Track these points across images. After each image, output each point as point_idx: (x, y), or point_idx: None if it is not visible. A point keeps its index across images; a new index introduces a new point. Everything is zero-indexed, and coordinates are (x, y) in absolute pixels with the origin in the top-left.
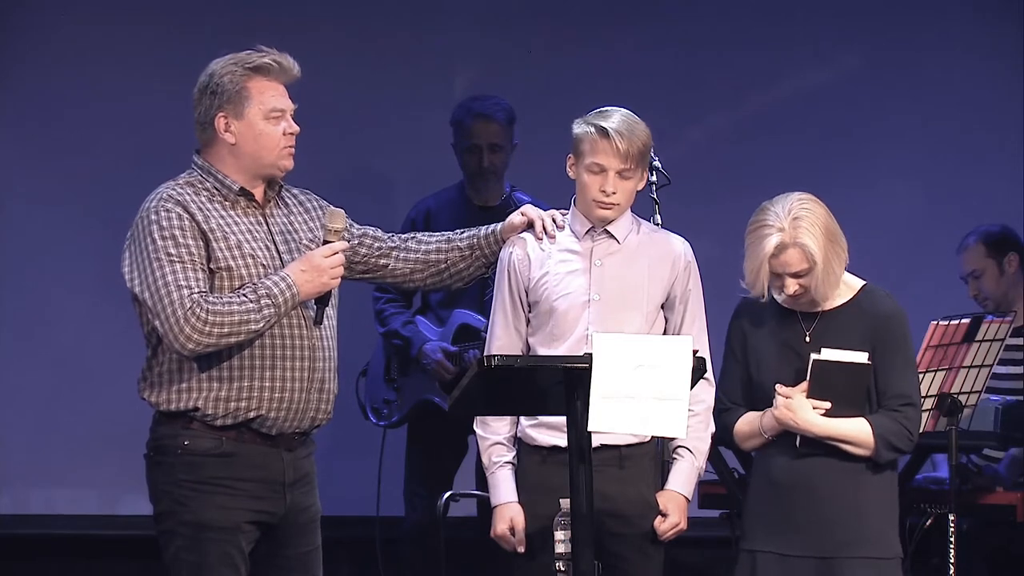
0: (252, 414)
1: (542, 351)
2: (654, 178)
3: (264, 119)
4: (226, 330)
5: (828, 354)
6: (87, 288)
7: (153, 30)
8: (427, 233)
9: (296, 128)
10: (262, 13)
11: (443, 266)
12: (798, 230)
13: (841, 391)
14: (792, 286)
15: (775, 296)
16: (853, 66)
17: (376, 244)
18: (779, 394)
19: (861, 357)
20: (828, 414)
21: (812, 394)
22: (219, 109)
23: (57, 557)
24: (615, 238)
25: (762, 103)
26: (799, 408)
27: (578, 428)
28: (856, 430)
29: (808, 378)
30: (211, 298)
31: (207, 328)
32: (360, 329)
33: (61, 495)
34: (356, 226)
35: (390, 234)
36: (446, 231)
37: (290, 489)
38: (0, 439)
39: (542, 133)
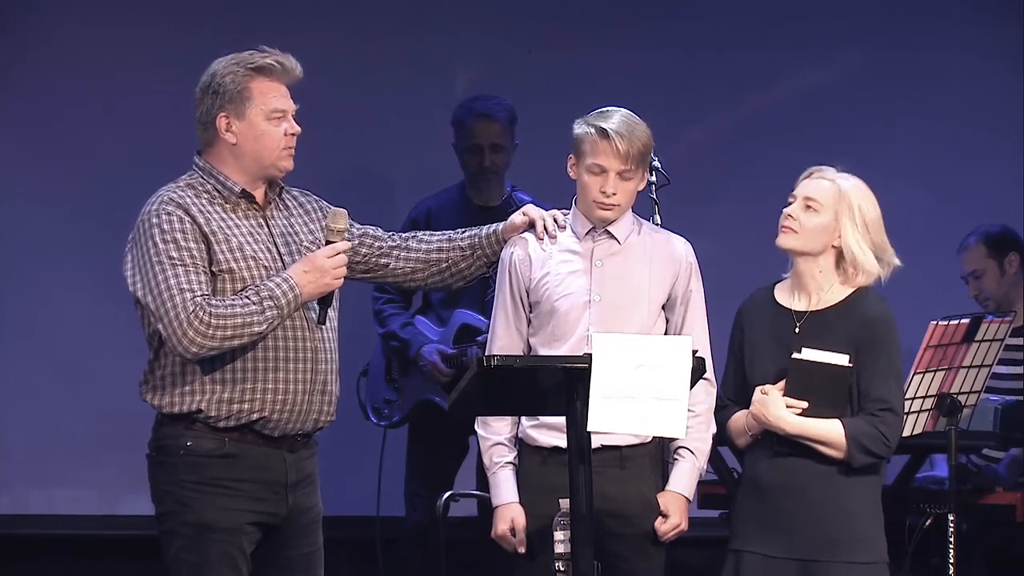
0: (255, 416)
1: (543, 351)
2: (654, 178)
3: (265, 119)
4: (229, 333)
5: (807, 354)
6: (87, 288)
7: (153, 30)
8: (428, 232)
9: (297, 129)
10: (262, 13)
11: (444, 265)
12: (845, 179)
13: (820, 392)
14: (794, 208)
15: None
16: (853, 66)
17: (377, 244)
18: (757, 390)
19: (841, 359)
20: (806, 414)
21: (789, 393)
22: (220, 109)
23: (57, 557)
24: (616, 239)
25: (762, 103)
26: (771, 404)
27: (578, 428)
28: (828, 431)
29: (787, 376)
30: (214, 301)
31: (210, 331)
32: (360, 329)
33: (61, 495)
34: (356, 226)
35: (390, 233)
36: (447, 231)
37: (292, 490)
38: (0, 439)
39: (542, 133)
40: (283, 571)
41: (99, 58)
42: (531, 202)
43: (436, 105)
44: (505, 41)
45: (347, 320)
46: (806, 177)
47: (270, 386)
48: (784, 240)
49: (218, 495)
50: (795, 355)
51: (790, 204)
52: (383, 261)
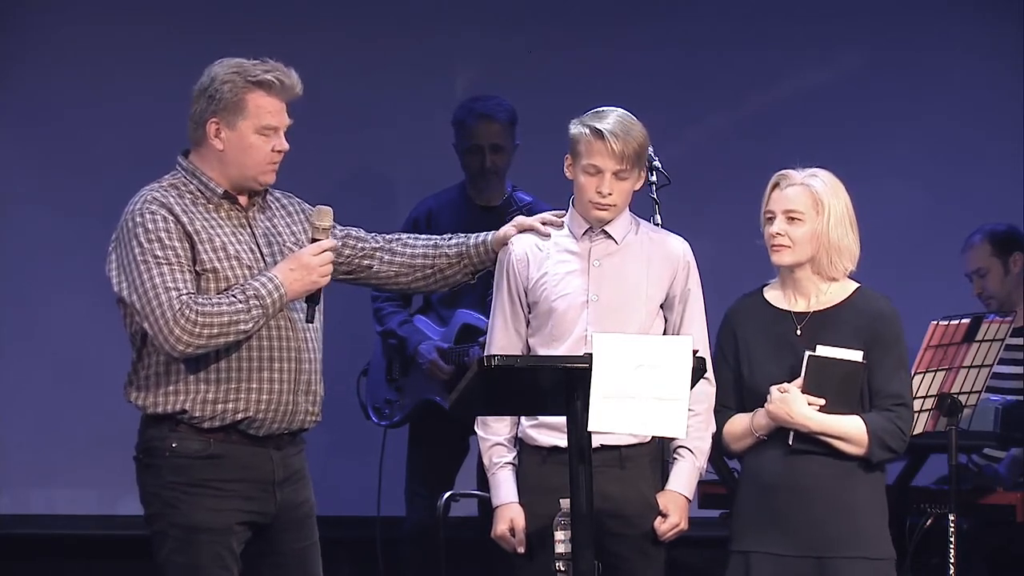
0: (239, 416)
1: (542, 351)
2: (654, 178)
3: (255, 133)
4: (216, 331)
5: (824, 351)
6: (87, 288)
7: (153, 30)
8: (413, 236)
9: (285, 146)
10: (262, 13)
11: (429, 271)
12: (813, 178)
13: (835, 389)
14: (779, 225)
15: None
16: (853, 66)
17: (360, 245)
18: (774, 389)
19: (856, 356)
20: (822, 411)
21: (807, 390)
22: (213, 114)
23: (57, 557)
24: (613, 238)
25: (762, 103)
26: (794, 402)
27: (578, 428)
28: (851, 427)
29: (803, 374)
30: (200, 299)
31: (197, 329)
32: (360, 329)
33: (61, 495)
34: (339, 227)
35: (373, 234)
36: (447, 231)
37: (280, 488)
38: (0, 439)
39: (542, 133)
40: (278, 568)
41: (99, 58)
42: (531, 202)
43: (436, 105)
44: (505, 41)
45: (347, 320)
46: (774, 187)
47: (255, 386)
48: (780, 258)
49: (206, 496)
50: (811, 352)
51: (769, 219)
52: (366, 263)
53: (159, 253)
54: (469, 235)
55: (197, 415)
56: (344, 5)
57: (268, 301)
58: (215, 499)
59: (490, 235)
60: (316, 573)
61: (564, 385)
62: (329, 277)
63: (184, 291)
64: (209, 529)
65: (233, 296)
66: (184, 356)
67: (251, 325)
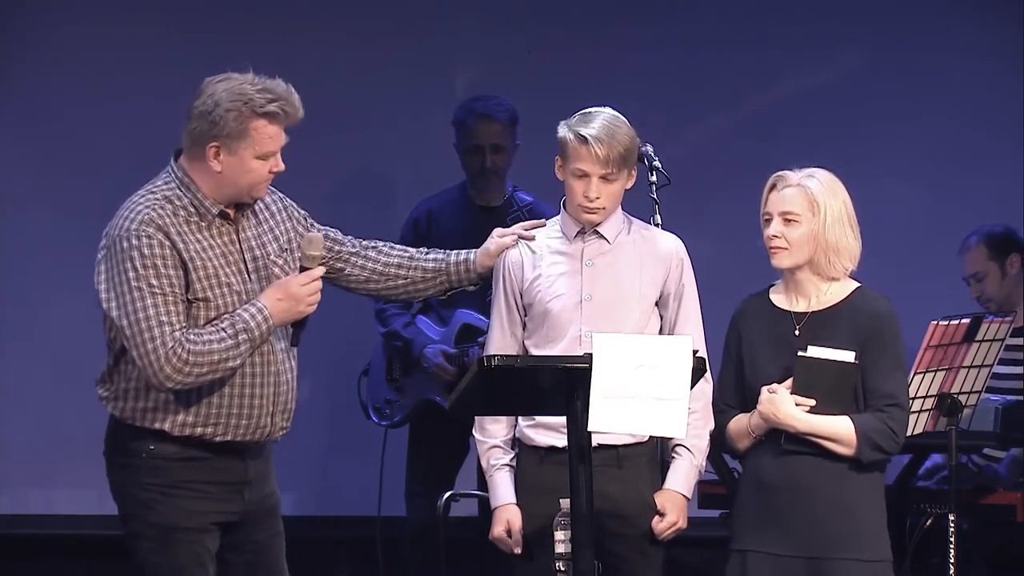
0: (217, 439)
1: (537, 353)
2: (654, 178)
3: (256, 158)
4: (206, 370)
5: (814, 351)
6: (87, 288)
7: (153, 30)
8: (389, 244)
9: (282, 167)
10: (262, 13)
11: (401, 281)
12: (809, 179)
13: (827, 389)
14: (775, 227)
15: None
16: (854, 66)
17: (336, 248)
18: (764, 389)
19: (847, 356)
20: (813, 412)
21: (796, 391)
22: (214, 139)
23: (57, 557)
24: (605, 238)
25: (762, 103)
26: (781, 403)
27: (578, 428)
28: (838, 427)
29: (794, 374)
30: (191, 336)
31: (188, 368)
32: (360, 329)
33: (61, 495)
34: (317, 226)
35: (349, 237)
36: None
37: (248, 487)
38: (0, 439)
39: (542, 133)
40: (250, 555)
41: (99, 58)
42: (532, 202)
43: (436, 105)
44: (505, 41)
45: (347, 320)
46: (771, 189)
47: (235, 411)
48: (779, 261)
49: (183, 497)
50: (800, 353)
51: (767, 221)
52: (339, 266)
53: (154, 282)
54: (451, 252)
55: (175, 434)
56: (344, 5)
57: (256, 333)
58: (191, 500)
59: (473, 254)
60: (282, 564)
61: (564, 385)
62: (316, 306)
63: (177, 326)
64: (186, 529)
65: (223, 331)
66: (170, 392)
67: (239, 361)
